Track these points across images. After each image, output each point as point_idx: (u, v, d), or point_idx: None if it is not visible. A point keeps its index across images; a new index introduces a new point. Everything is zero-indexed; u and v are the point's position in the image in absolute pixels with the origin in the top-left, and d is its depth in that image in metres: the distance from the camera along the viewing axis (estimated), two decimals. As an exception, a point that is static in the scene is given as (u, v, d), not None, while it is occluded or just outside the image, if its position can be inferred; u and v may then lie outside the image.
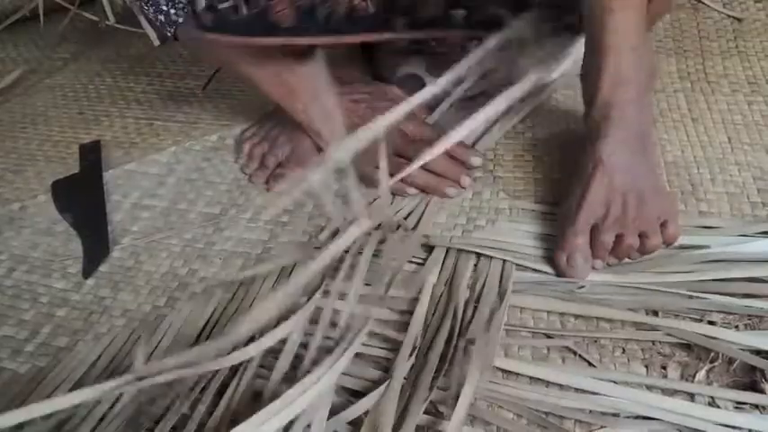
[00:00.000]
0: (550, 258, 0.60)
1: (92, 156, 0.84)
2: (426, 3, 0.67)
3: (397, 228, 0.65)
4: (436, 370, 0.50)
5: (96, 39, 1.15)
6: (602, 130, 0.58)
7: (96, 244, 0.70)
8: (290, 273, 0.62)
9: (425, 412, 0.48)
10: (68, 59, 1.11)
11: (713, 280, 0.56)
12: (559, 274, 0.59)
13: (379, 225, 0.65)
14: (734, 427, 0.46)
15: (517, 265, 0.60)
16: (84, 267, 0.68)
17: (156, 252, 0.69)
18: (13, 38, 1.19)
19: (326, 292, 0.58)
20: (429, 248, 0.63)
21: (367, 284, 0.58)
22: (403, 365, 0.50)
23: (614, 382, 0.50)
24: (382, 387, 0.49)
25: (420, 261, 0.62)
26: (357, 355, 0.52)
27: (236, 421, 0.49)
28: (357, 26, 0.66)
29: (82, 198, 0.77)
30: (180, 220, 0.73)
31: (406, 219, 0.67)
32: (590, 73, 0.61)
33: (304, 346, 0.54)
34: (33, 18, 1.18)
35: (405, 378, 0.50)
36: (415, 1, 0.67)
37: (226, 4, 0.61)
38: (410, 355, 0.52)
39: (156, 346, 0.57)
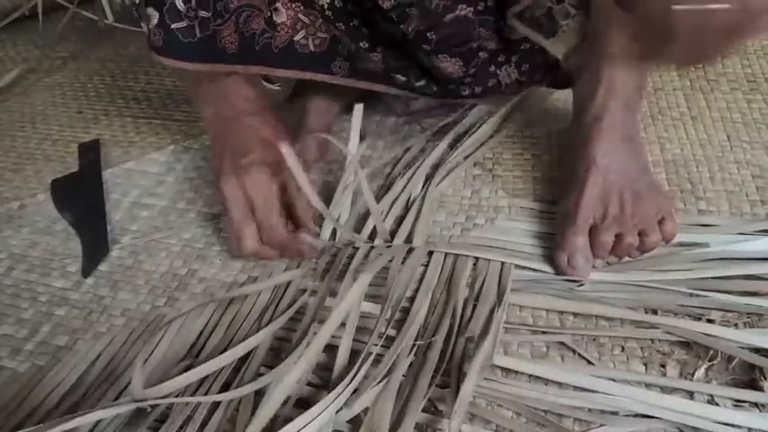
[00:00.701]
0: (550, 257, 0.60)
1: (91, 154, 0.84)
2: (367, 58, 0.67)
3: (392, 237, 0.65)
4: (435, 368, 0.50)
5: (95, 38, 1.15)
6: (593, 133, 0.61)
7: (95, 243, 0.70)
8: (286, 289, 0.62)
9: (425, 410, 0.48)
10: (67, 58, 1.11)
11: (712, 278, 0.56)
12: (560, 273, 0.59)
13: (374, 235, 0.65)
14: (733, 425, 0.46)
15: (516, 266, 0.60)
16: (83, 266, 0.68)
17: (155, 251, 0.69)
18: (12, 37, 1.19)
19: (314, 292, 0.58)
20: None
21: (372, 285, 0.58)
22: (402, 363, 0.50)
23: (613, 380, 0.50)
24: (381, 385, 0.49)
25: (423, 262, 0.62)
26: (356, 352, 0.52)
27: (234, 422, 0.49)
28: (294, 61, 0.65)
29: (81, 197, 0.77)
30: (179, 220, 0.73)
31: (400, 224, 0.66)
32: (584, 82, 0.64)
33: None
34: (32, 17, 1.18)
35: (404, 376, 0.50)
36: (356, 52, 0.67)
37: (179, 24, 0.60)
38: (409, 352, 0.52)
39: (155, 348, 0.57)
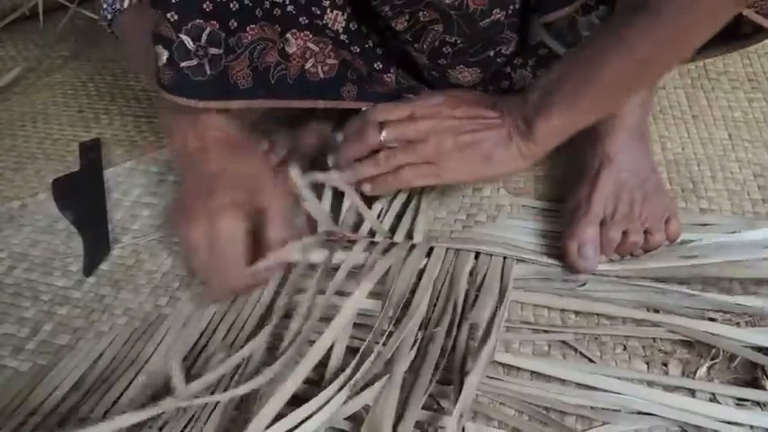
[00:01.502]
0: (553, 254, 0.60)
1: (92, 154, 0.84)
2: (380, 80, 0.67)
3: (392, 234, 0.65)
4: (436, 365, 0.50)
5: (96, 37, 1.15)
6: (609, 131, 0.62)
7: (97, 242, 0.70)
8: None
9: (427, 407, 0.48)
10: (68, 57, 1.11)
11: (714, 277, 0.56)
12: (567, 263, 0.58)
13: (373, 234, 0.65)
14: (735, 424, 0.46)
15: (518, 260, 0.60)
16: (84, 265, 0.68)
17: (157, 251, 0.69)
18: (12, 36, 1.19)
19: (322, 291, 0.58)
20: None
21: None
22: (403, 360, 0.50)
23: (615, 378, 0.50)
24: (382, 381, 0.49)
25: (424, 257, 0.62)
26: (356, 349, 0.52)
27: (236, 421, 0.49)
28: (306, 91, 0.65)
29: (82, 196, 0.77)
30: (180, 218, 0.73)
31: (399, 222, 0.66)
32: None
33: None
34: (33, 16, 1.18)
35: (405, 372, 0.50)
36: (368, 75, 0.66)
37: (189, 63, 0.58)
38: (411, 348, 0.52)
39: (157, 347, 0.57)
